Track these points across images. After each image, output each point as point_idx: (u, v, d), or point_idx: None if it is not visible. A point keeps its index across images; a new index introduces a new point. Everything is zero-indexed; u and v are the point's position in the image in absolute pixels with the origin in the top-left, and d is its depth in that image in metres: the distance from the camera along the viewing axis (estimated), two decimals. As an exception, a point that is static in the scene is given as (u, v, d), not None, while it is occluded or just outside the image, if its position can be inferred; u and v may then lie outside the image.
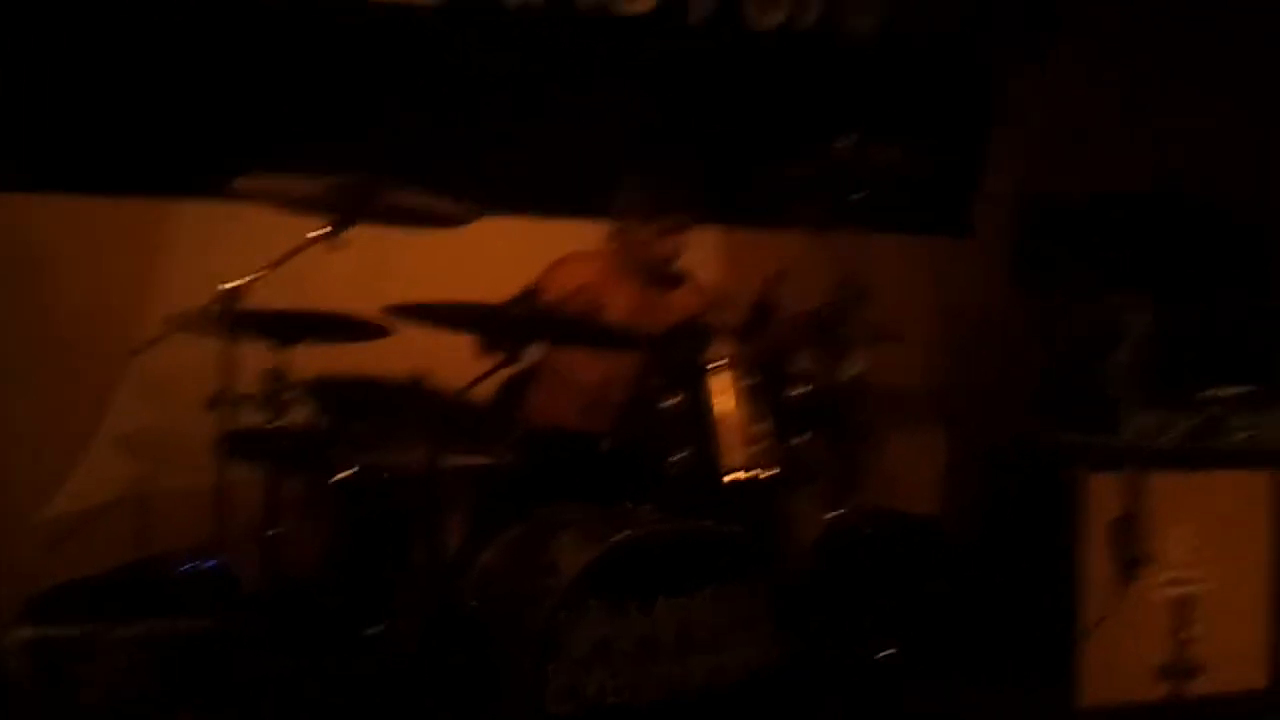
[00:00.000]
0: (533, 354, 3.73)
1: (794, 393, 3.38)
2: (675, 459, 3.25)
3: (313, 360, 3.31)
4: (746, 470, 3.26)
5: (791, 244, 4.32)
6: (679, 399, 3.29)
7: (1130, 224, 4.35)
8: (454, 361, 3.75)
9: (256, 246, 3.16)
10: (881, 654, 3.62)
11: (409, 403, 3.14)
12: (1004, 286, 4.63)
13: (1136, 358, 4.08)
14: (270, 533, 3.12)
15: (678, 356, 3.42)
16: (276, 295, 3.14)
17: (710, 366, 3.32)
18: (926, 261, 5.05)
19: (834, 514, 3.67)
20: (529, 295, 3.13)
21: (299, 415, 3.28)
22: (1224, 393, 4.17)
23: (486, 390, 3.86)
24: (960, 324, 5.05)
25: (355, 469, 3.24)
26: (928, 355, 5.03)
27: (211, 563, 3.41)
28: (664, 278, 4.01)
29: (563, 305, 3.48)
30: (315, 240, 3.12)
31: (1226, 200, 4.59)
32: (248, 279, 3.04)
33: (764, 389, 3.32)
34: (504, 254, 4.02)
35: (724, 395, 3.30)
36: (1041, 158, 4.99)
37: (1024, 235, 4.60)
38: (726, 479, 3.25)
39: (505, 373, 3.83)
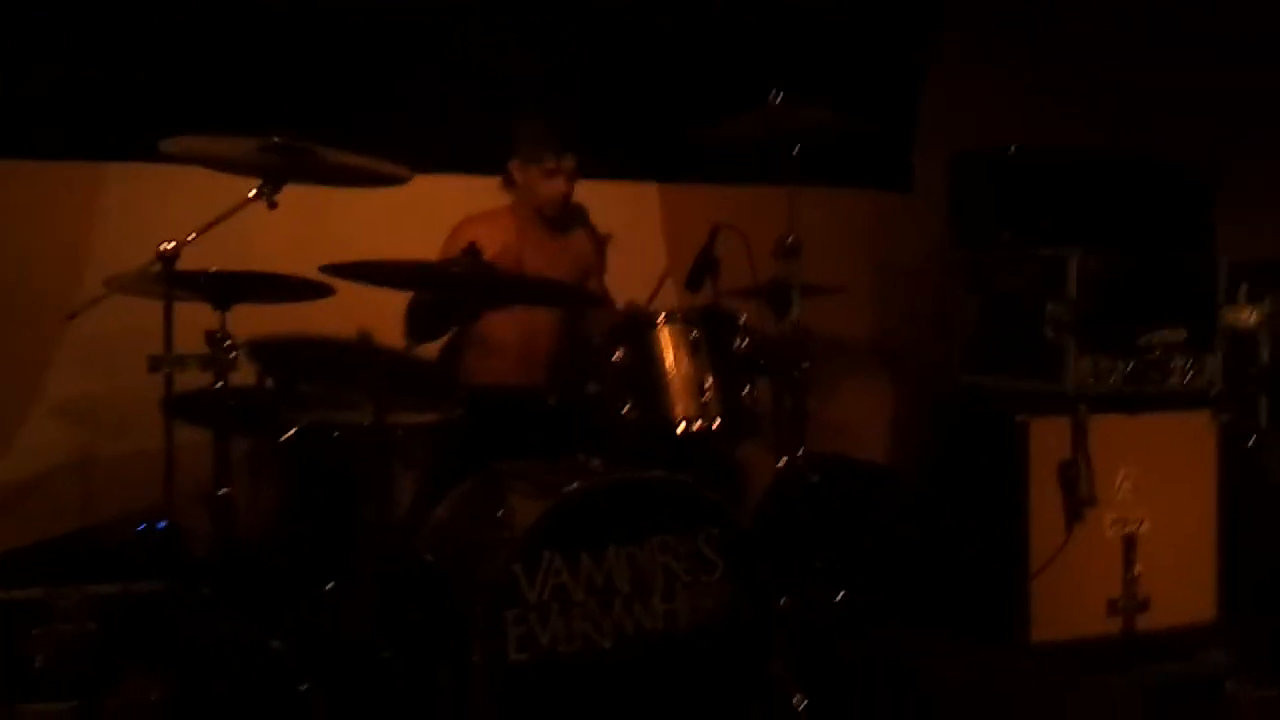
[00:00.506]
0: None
1: (740, 344, 3.39)
2: (624, 411, 3.26)
3: (254, 321, 3.29)
4: (695, 421, 3.28)
5: (733, 199, 4.36)
6: (626, 352, 3.30)
7: (1068, 175, 4.39)
8: (396, 321, 3.77)
9: (194, 209, 3.13)
10: (834, 597, 3.68)
11: (355, 361, 3.12)
12: (944, 238, 4.66)
13: (1076, 305, 4.13)
14: (220, 493, 3.09)
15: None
16: (215, 257, 3.12)
17: (657, 319, 3.33)
18: (871, 215, 5.10)
19: (783, 461, 3.71)
20: (469, 252, 3.12)
21: (243, 376, 3.26)
22: (1163, 337, 4.24)
23: (430, 350, 3.89)
24: (904, 276, 5.10)
25: (301, 427, 3.22)
26: (872, 307, 5.09)
27: (161, 525, 3.39)
28: (559, 221, 4.03)
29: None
30: (250, 201, 3.09)
31: (1162, 149, 4.66)
32: (185, 239, 3.01)
33: (710, 341, 3.34)
34: (443, 214, 4.00)
35: (671, 348, 3.31)
36: (977, 112, 5.05)
37: (961, 188, 4.63)
38: (677, 430, 3.27)
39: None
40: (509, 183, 4.00)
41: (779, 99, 3.68)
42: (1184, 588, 4.23)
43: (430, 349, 3.89)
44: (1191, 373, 4.27)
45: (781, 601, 3.29)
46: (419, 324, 3.71)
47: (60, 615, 3.26)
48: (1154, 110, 5.07)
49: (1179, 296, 4.30)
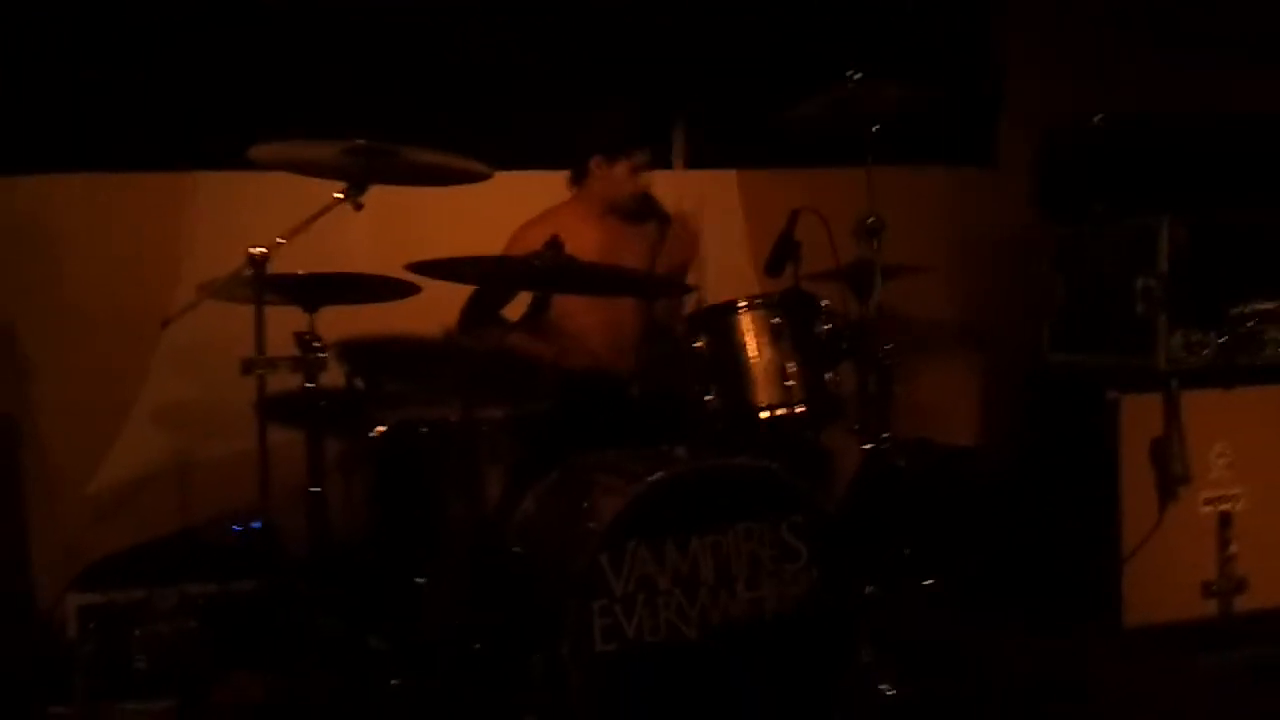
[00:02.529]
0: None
1: (822, 328, 3.38)
2: (708, 399, 3.27)
3: (342, 322, 3.35)
4: (779, 407, 3.27)
5: (814, 182, 4.33)
6: (708, 340, 3.31)
7: (1156, 143, 4.30)
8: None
9: (282, 214, 3.18)
10: (923, 583, 3.66)
11: (441, 358, 3.17)
12: (1031, 213, 4.60)
13: (1168, 278, 4.06)
14: (312, 492, 3.15)
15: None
16: (303, 260, 3.18)
17: (739, 305, 3.33)
18: (953, 192, 5.04)
19: (868, 446, 3.69)
20: (552, 245, 3.15)
21: (333, 376, 3.32)
22: (1256, 308, 4.14)
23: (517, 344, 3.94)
24: (990, 253, 5.04)
25: (390, 424, 3.27)
26: (959, 286, 5.04)
27: (256, 525, 3.47)
28: (636, 212, 4.04)
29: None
30: (336, 203, 3.14)
31: (1252, 114, 4.53)
32: (274, 243, 3.06)
33: (791, 326, 3.33)
34: (522, 209, 4.04)
35: (753, 334, 3.31)
36: (1062, 82, 4.96)
37: (1048, 161, 4.56)
38: (760, 417, 3.27)
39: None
40: (578, 177, 4.03)
41: (856, 78, 3.65)
42: (1280, 567, 4.14)
43: (501, 332, 3.94)
44: (1286, 344, 4.17)
45: (868, 588, 3.27)
46: (470, 316, 3.77)
47: (161, 615, 3.37)
48: (1244, 73, 4.94)
49: (1273, 265, 4.19)
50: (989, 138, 5.15)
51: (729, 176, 4.73)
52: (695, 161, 4.57)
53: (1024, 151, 4.71)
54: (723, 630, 2.90)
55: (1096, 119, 4.34)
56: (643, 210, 4.00)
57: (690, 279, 4.19)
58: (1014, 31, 5.10)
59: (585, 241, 3.78)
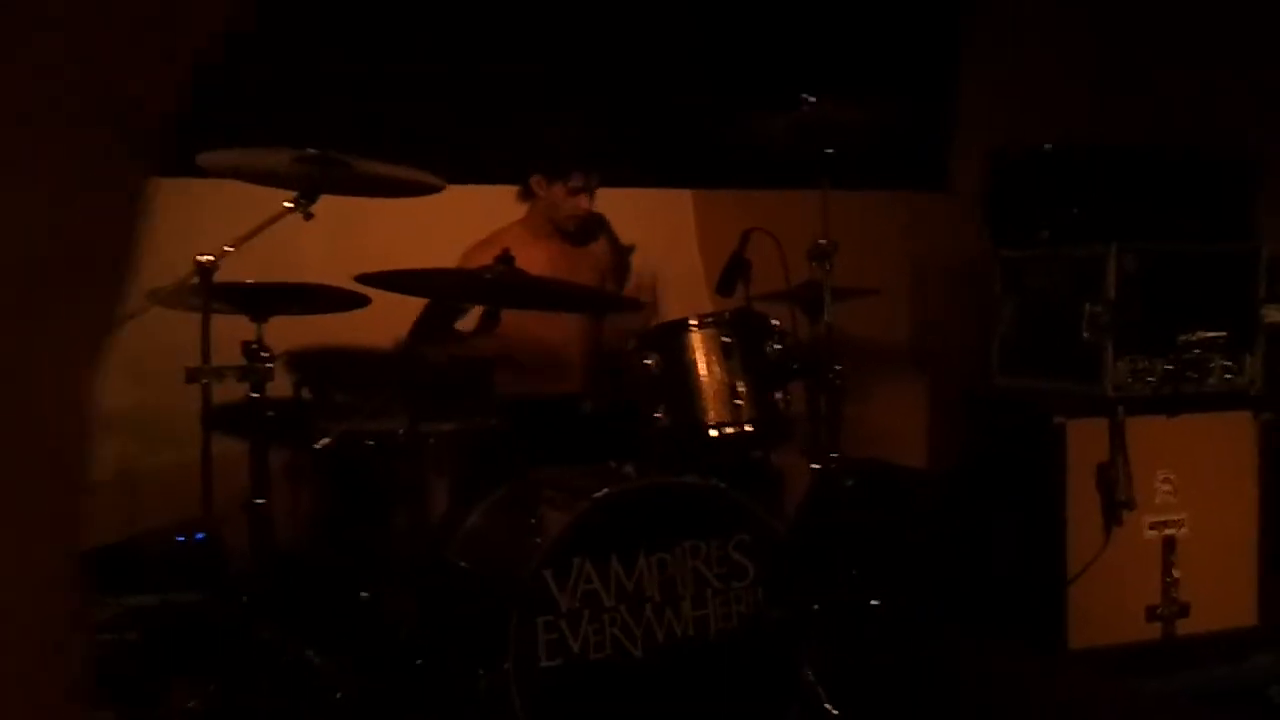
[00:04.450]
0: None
1: (772, 348, 3.39)
2: (657, 416, 3.27)
3: (291, 332, 3.33)
4: (728, 426, 3.28)
5: (768, 203, 4.35)
6: (658, 358, 3.31)
7: (1106, 172, 4.35)
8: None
9: (233, 223, 3.17)
10: (869, 602, 3.67)
11: (389, 371, 3.16)
12: (980, 238, 4.64)
13: (1115, 305, 4.10)
14: (257, 503, 3.13)
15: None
16: (253, 270, 3.16)
17: (690, 323, 3.34)
18: (908, 217, 5.09)
19: (817, 466, 3.71)
20: (503, 259, 3.15)
21: (281, 387, 3.30)
22: (1201, 336, 4.20)
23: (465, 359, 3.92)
24: (942, 277, 5.09)
25: (335, 436, 3.25)
26: (911, 309, 5.08)
27: (200, 536, 3.44)
28: (577, 234, 4.06)
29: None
30: (286, 212, 3.12)
31: (1200, 144, 4.61)
32: (222, 251, 3.05)
33: (742, 345, 3.33)
34: (475, 224, 4.03)
35: (703, 353, 3.31)
36: (1013, 110, 5.02)
37: (997, 186, 4.61)
38: (709, 435, 3.27)
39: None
40: (526, 195, 4.03)
41: (811, 100, 3.67)
42: (1225, 592, 4.18)
43: (464, 358, 3.93)
44: (1231, 373, 4.23)
45: (814, 607, 3.28)
46: (424, 328, 3.77)
47: (100, 625, 3.32)
48: (1193, 104, 5.02)
49: (1218, 295, 4.25)
50: (942, 163, 5.20)
51: (684, 196, 4.75)
52: (649, 180, 4.58)
53: (977, 177, 4.75)
54: (668, 648, 2.91)
55: (1045, 146, 4.39)
56: (585, 232, 4.02)
57: (642, 297, 4.19)
58: (969, 59, 5.16)
59: (533, 261, 3.77)
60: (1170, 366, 4.15)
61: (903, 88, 4.92)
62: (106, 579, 3.40)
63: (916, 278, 5.08)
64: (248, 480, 3.18)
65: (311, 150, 3.07)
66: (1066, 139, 4.42)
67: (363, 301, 3.31)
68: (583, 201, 3.96)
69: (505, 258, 3.16)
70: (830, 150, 3.78)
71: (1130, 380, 4.12)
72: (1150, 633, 4.09)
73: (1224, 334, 4.21)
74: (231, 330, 3.19)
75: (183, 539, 3.49)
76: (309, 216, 3.15)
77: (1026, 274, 4.45)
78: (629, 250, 3.98)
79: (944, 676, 3.67)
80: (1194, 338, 4.18)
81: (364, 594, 3.20)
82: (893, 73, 4.92)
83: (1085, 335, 4.16)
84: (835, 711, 3.10)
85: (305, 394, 3.38)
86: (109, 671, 3.28)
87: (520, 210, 4.10)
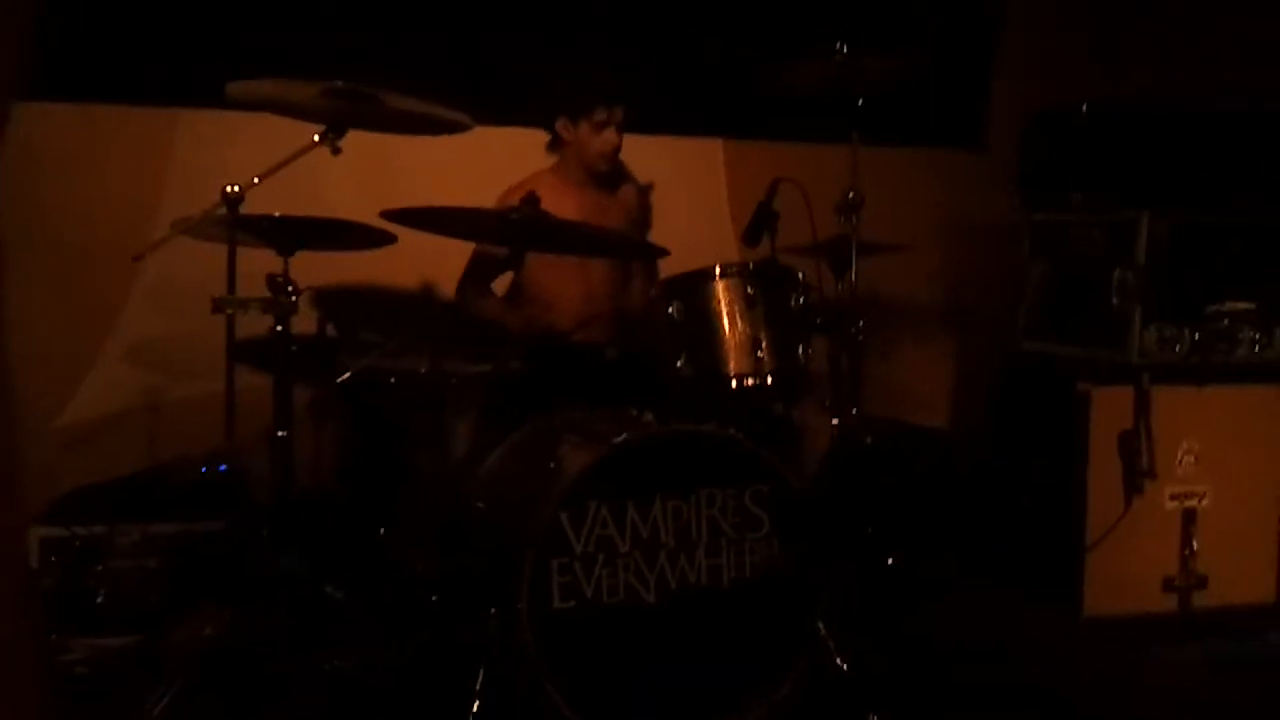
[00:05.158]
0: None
1: (796, 301, 3.37)
2: (679, 365, 3.26)
3: (319, 268, 3.34)
4: (749, 377, 3.27)
5: (800, 156, 4.32)
6: (683, 307, 3.30)
7: (1142, 133, 4.29)
8: (457, 271, 3.81)
9: (263, 156, 3.16)
10: (885, 561, 3.68)
11: (414, 311, 3.17)
12: (1012, 199, 4.60)
13: (1145, 271, 4.07)
14: (279, 436, 3.15)
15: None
16: (282, 204, 3.17)
17: (714, 272, 3.32)
18: (941, 175, 5.05)
19: (837, 421, 3.70)
20: (528, 201, 3.14)
21: (305, 322, 3.31)
22: (1231, 307, 4.16)
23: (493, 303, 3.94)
24: (974, 237, 5.05)
25: (356, 371, 3.25)
26: (938, 268, 5.04)
27: (223, 467, 3.48)
28: (606, 177, 4.04)
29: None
30: (313, 146, 3.12)
31: (1238, 110, 4.53)
32: (249, 183, 3.05)
33: (765, 297, 3.31)
34: (507, 167, 4.02)
35: (727, 302, 3.29)
36: (1052, 69, 4.96)
37: (1031, 146, 4.56)
38: (730, 385, 3.27)
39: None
40: (555, 144, 4.01)
41: (843, 50, 3.63)
42: (1244, 566, 4.17)
43: (493, 302, 3.94)
44: (1261, 345, 4.19)
45: (828, 562, 3.28)
46: (468, 283, 3.78)
47: (122, 552, 3.37)
48: (1235, 68, 4.94)
49: (1250, 266, 4.20)
50: (978, 122, 5.15)
51: (715, 145, 4.73)
52: (681, 128, 4.55)
53: (1011, 137, 4.71)
54: (680, 595, 2.91)
55: (1082, 106, 4.33)
56: (617, 173, 3.99)
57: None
58: (1008, 15, 5.10)
59: (563, 208, 3.76)
60: (1198, 336, 4.12)
61: (939, 43, 4.86)
62: (129, 506, 3.44)
63: (946, 237, 5.03)
64: (271, 414, 3.20)
65: (340, 84, 3.06)
66: (1103, 101, 4.36)
67: (389, 239, 3.31)
68: (611, 136, 3.93)
69: (530, 199, 3.15)
70: (861, 102, 3.74)
71: (1157, 348, 4.08)
72: (1166, 604, 4.08)
73: (1254, 305, 4.17)
74: (260, 265, 3.21)
75: (206, 469, 3.53)
76: (337, 151, 3.14)
77: (1057, 237, 4.41)
78: (647, 189, 3.94)
79: (956, 636, 3.68)
80: (1224, 308, 4.15)
81: (382, 530, 3.23)
82: (929, 26, 4.85)
83: (1114, 301, 4.13)
84: (845, 665, 3.11)
85: (330, 331, 3.40)
86: (129, 596, 3.35)
87: (552, 160, 4.08)
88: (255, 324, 3.23)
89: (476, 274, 3.85)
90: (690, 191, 4.47)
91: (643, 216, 4.12)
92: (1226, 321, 4.14)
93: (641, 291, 4.04)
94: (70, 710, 2.72)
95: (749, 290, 3.26)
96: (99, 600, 3.34)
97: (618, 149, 3.95)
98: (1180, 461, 4.10)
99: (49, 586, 3.35)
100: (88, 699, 2.99)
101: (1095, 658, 3.71)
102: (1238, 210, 4.21)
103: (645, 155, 4.14)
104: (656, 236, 4.28)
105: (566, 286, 3.94)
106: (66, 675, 3.08)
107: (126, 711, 2.88)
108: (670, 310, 3.25)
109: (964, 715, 3.16)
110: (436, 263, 3.72)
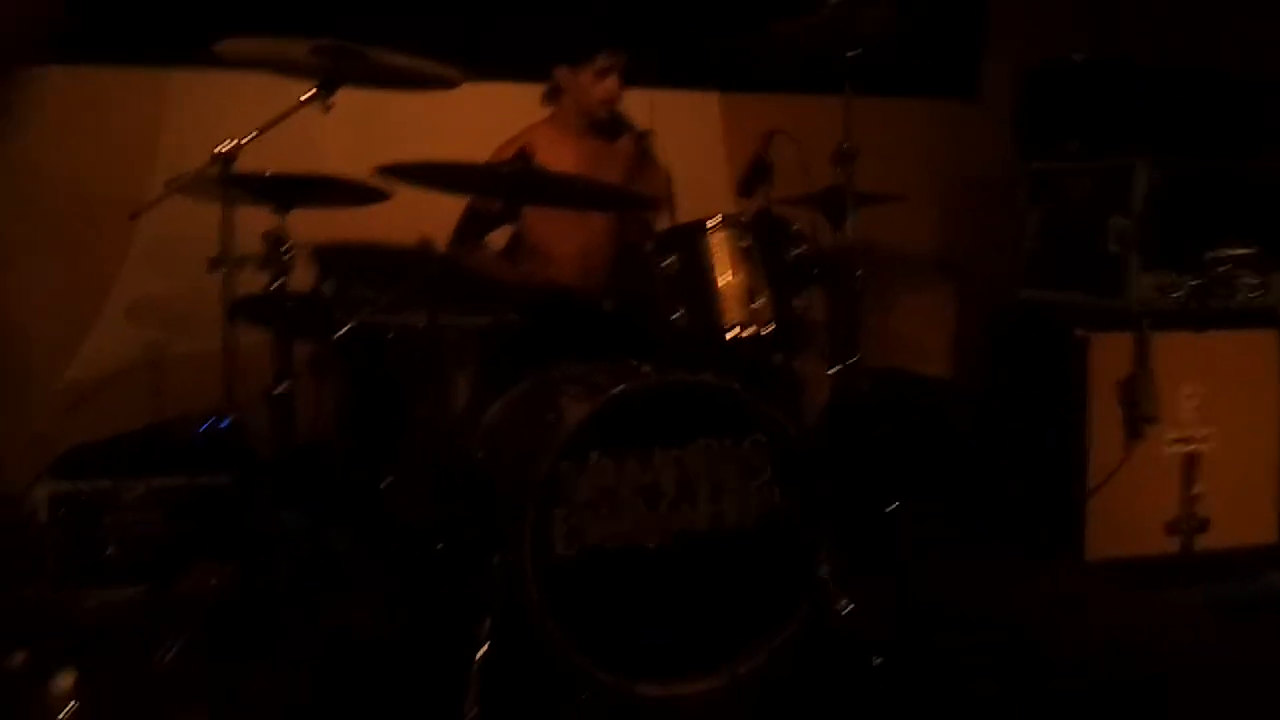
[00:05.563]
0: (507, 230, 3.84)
1: (792, 252, 3.37)
2: (676, 317, 3.26)
3: (314, 225, 3.35)
4: (746, 328, 3.27)
5: (796, 107, 4.31)
6: (677, 258, 3.30)
7: (1137, 86, 4.29)
8: (451, 226, 3.81)
9: (257, 114, 3.16)
10: (885, 508, 3.69)
11: (411, 265, 3.18)
12: (1009, 149, 4.60)
13: (1142, 218, 4.07)
14: (278, 391, 3.16)
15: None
16: (276, 161, 3.17)
17: (709, 225, 3.32)
18: (936, 124, 5.04)
19: (835, 370, 3.71)
20: (521, 156, 3.14)
21: (302, 278, 3.32)
22: (1230, 252, 4.16)
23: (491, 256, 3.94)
24: (969, 186, 5.05)
25: (352, 327, 3.26)
26: (934, 217, 5.05)
27: (224, 423, 3.50)
28: (605, 125, 4.01)
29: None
30: (304, 103, 3.12)
31: (1231, 61, 4.54)
32: (241, 140, 3.06)
33: (762, 248, 3.30)
34: (500, 122, 4.01)
35: (722, 254, 3.29)
36: (1046, 20, 4.94)
37: (1027, 96, 4.55)
38: (727, 336, 3.27)
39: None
40: (552, 94, 4.00)
41: (834, 3, 3.61)
42: (1245, 508, 4.20)
43: (489, 256, 3.94)
44: (1259, 290, 4.19)
45: (828, 508, 3.29)
46: (462, 233, 3.77)
47: (128, 505, 3.41)
48: (1226, 18, 4.93)
49: (1247, 212, 4.21)
50: (973, 72, 5.14)
51: (711, 98, 4.72)
52: (677, 80, 4.54)
53: (1007, 87, 4.70)
54: (682, 541, 2.93)
55: (1077, 56, 4.33)
56: (617, 121, 3.97)
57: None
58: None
59: (561, 160, 3.76)
60: (1197, 282, 4.13)
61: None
62: (134, 461, 3.47)
63: (943, 187, 5.03)
64: (271, 369, 3.22)
65: (328, 40, 3.06)
66: (1099, 51, 4.35)
67: (383, 196, 3.32)
68: (612, 84, 3.92)
69: (523, 154, 3.15)
70: (854, 52, 3.72)
71: (1156, 295, 4.10)
72: (1169, 546, 4.12)
73: (1252, 250, 4.18)
74: (257, 223, 3.21)
75: (208, 425, 3.55)
76: (328, 108, 3.15)
77: (1054, 186, 4.42)
78: (648, 134, 3.91)
79: (958, 583, 3.70)
80: (1222, 254, 4.15)
81: (383, 483, 3.24)
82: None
83: (1111, 249, 4.13)
84: (848, 609, 3.13)
85: (327, 287, 3.41)
86: (136, 548, 3.39)
87: (547, 112, 4.07)
88: (255, 281, 3.24)
89: (468, 228, 3.86)
90: (686, 144, 4.45)
91: (642, 163, 4.09)
92: (1225, 267, 4.14)
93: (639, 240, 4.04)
94: (82, 659, 2.75)
95: (743, 242, 3.26)
96: (108, 552, 3.39)
97: (619, 96, 3.94)
98: (1181, 406, 4.12)
99: (59, 539, 3.39)
100: (98, 649, 3.03)
101: (1097, 601, 3.73)
102: (1233, 157, 4.22)
103: (641, 108, 4.11)
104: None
105: (564, 240, 3.94)
106: (79, 625, 3.13)
107: (137, 660, 2.92)
108: (666, 262, 3.25)
109: (965, 660, 3.17)
110: (431, 217, 3.71)
